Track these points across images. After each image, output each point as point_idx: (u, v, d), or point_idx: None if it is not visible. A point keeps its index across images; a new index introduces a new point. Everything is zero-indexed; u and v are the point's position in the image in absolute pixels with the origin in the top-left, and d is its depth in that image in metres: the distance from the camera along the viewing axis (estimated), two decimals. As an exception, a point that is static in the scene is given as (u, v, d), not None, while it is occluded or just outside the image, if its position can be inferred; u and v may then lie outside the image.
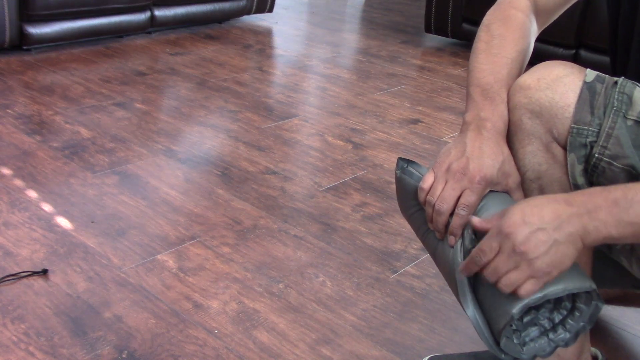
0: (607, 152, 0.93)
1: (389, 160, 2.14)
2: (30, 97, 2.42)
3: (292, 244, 1.62)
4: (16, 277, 1.40)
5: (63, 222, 1.63)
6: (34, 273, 1.41)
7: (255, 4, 3.75)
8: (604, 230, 0.84)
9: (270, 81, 2.88)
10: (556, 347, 0.91)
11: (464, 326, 1.37)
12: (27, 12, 2.76)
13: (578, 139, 0.95)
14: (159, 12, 3.29)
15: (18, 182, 1.80)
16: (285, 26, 3.88)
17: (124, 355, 1.21)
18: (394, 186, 1.94)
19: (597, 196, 0.85)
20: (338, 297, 1.43)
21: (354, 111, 2.57)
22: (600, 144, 0.94)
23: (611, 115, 0.94)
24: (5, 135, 2.09)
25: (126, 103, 2.44)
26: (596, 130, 0.94)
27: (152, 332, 1.28)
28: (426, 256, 1.61)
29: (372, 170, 2.07)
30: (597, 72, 0.99)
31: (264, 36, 3.63)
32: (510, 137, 1.03)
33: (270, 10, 3.88)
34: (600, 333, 1.38)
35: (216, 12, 3.56)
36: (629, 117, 0.93)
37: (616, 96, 0.94)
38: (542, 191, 1.03)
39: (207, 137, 2.22)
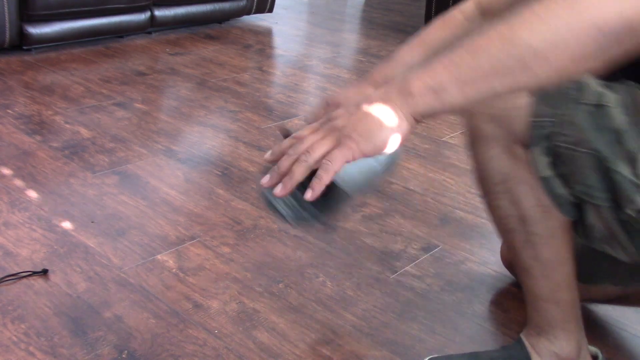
0: (567, 138, 0.94)
1: (389, 160, 2.14)
2: (30, 97, 2.42)
3: (292, 244, 1.62)
4: (16, 277, 1.40)
5: (63, 222, 1.63)
6: (34, 273, 1.41)
7: (255, 4, 3.75)
8: (429, 79, 0.73)
9: (270, 81, 2.88)
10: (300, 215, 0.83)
11: (464, 326, 1.37)
12: (27, 12, 2.76)
13: (538, 132, 0.96)
14: (159, 12, 3.29)
15: (18, 182, 1.80)
16: (285, 26, 3.88)
17: (124, 355, 1.21)
18: (394, 186, 1.94)
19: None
20: (338, 297, 1.43)
21: (354, 111, 2.56)
22: (560, 131, 0.94)
23: (566, 103, 0.95)
24: (5, 135, 2.09)
25: (126, 103, 2.44)
26: (554, 120, 0.95)
27: (152, 332, 1.28)
28: (426, 256, 1.61)
29: (372, 170, 2.06)
30: None
31: (264, 36, 3.63)
32: (472, 145, 1.05)
33: (270, 10, 3.88)
34: (600, 333, 1.38)
35: (216, 12, 3.56)
36: (583, 102, 0.94)
37: (567, 84, 0.95)
38: (510, 193, 1.04)
39: (207, 137, 2.22)
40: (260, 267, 1.52)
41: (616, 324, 1.42)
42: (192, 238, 1.61)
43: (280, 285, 1.46)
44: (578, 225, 1.03)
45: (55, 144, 2.05)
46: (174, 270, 1.48)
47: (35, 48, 2.92)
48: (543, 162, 0.97)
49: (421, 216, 1.80)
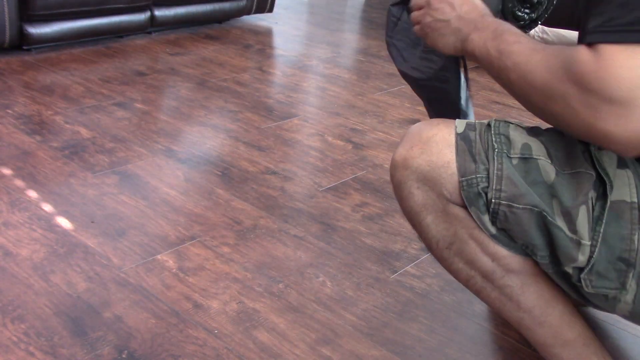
0: (503, 194, 0.93)
1: (389, 161, 2.14)
2: (30, 97, 2.42)
3: (292, 244, 1.62)
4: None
5: (63, 222, 1.63)
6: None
7: (255, 4, 3.75)
8: (475, 44, 0.96)
9: (270, 81, 2.88)
10: None
11: (464, 326, 1.37)
12: (27, 12, 2.76)
13: (471, 190, 0.94)
14: (159, 12, 3.29)
15: (18, 182, 1.80)
16: (285, 26, 3.88)
17: (124, 355, 1.21)
18: (394, 186, 1.94)
19: (493, 22, 0.97)
20: (338, 297, 1.43)
21: (354, 111, 2.57)
22: (494, 187, 0.93)
23: (495, 157, 0.94)
24: (5, 135, 2.09)
25: (126, 103, 2.44)
26: (485, 175, 0.94)
27: (152, 332, 1.28)
28: (426, 256, 1.61)
29: (372, 170, 2.07)
30: (466, 121, 0.99)
31: (264, 36, 3.63)
32: (408, 213, 1.03)
33: (270, 10, 3.88)
34: (600, 333, 1.38)
35: (216, 12, 3.56)
36: (512, 156, 0.93)
37: (494, 138, 0.95)
38: (461, 255, 1.01)
39: (207, 137, 2.22)
40: (260, 267, 1.52)
41: (616, 324, 1.42)
42: (192, 238, 1.61)
43: (280, 285, 1.46)
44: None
45: (55, 144, 2.05)
46: (174, 270, 1.48)
47: (35, 48, 2.92)
48: (485, 220, 0.96)
49: (421, 216, 1.79)
